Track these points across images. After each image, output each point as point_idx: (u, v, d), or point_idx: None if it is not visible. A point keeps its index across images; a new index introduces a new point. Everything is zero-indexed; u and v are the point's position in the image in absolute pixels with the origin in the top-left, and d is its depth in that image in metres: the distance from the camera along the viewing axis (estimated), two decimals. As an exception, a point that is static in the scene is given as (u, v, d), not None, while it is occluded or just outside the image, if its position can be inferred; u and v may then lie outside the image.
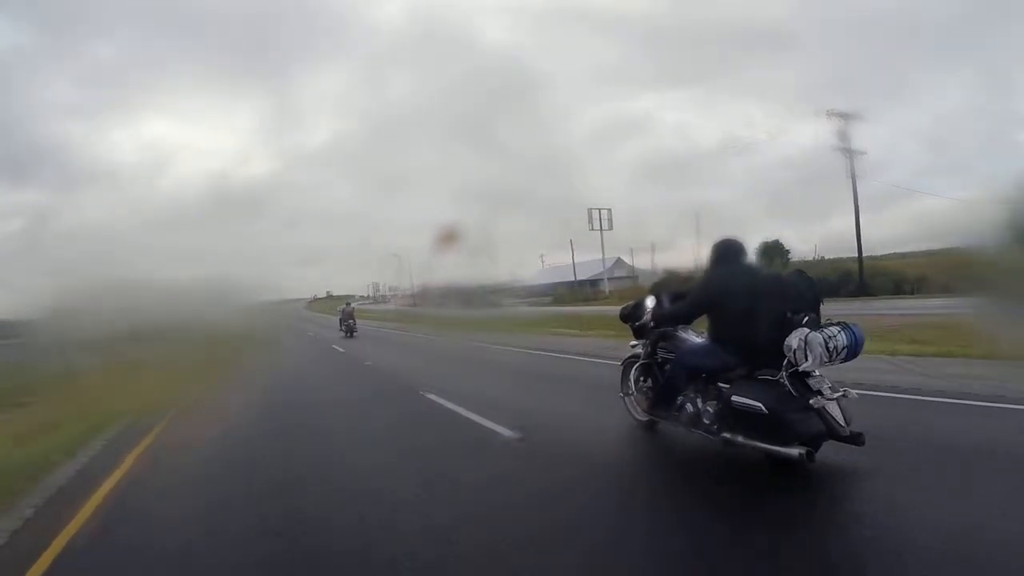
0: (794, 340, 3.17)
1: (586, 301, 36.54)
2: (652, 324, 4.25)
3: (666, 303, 4.30)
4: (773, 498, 3.05)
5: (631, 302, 4.62)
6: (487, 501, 3.32)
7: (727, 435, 3.56)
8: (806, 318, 3.30)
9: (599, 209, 43.08)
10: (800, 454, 3.13)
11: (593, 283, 49.32)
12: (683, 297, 4.08)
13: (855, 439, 3.19)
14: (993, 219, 5.98)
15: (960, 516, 2.62)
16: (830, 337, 3.18)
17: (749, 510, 2.94)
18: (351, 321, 20.99)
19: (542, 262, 56.30)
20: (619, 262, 51.05)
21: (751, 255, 3.98)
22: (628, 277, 47.35)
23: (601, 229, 43.28)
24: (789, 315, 3.32)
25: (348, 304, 23.19)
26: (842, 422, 3.23)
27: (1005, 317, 5.92)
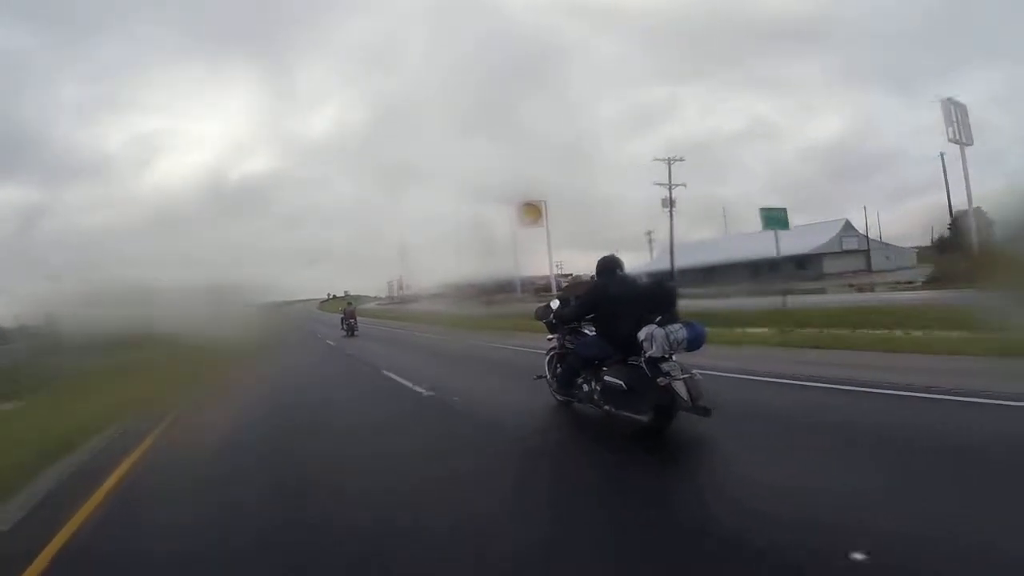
0: (642, 333, 4.18)
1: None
2: (554, 322, 5.26)
3: (572, 304, 5.31)
4: (635, 453, 4.05)
5: (542, 304, 5.64)
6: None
7: (607, 407, 4.58)
8: (659, 317, 4.30)
9: (954, 104, 24.73)
10: (648, 419, 4.16)
11: (802, 262, 33.06)
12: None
13: (702, 411, 4.16)
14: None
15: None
16: (671, 332, 4.18)
17: (617, 458, 3.95)
18: (352, 321, 22.08)
19: (650, 242, 48.29)
20: (848, 227, 35.26)
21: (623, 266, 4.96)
22: (857, 251, 33.57)
23: (961, 141, 24.61)
24: (645, 315, 4.33)
25: (349, 304, 24.49)
26: (686, 397, 4.21)
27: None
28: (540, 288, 42.66)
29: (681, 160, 34.94)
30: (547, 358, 5.71)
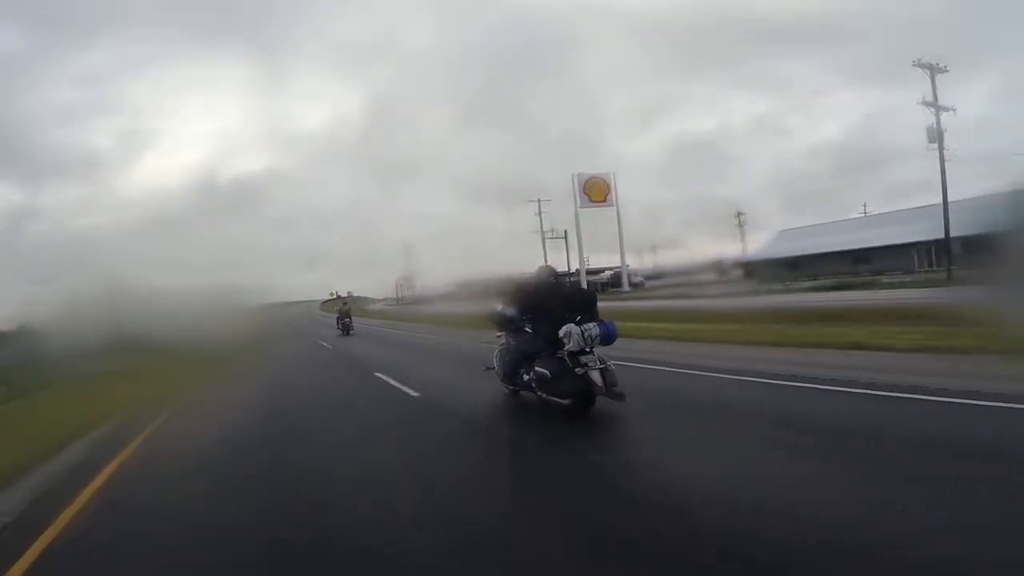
0: (562, 331, 5.04)
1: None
2: (502, 324, 6.12)
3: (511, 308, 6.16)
4: (561, 427, 4.90)
5: (493, 307, 6.50)
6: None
7: (540, 393, 5.44)
8: (578, 317, 5.16)
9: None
10: (568, 403, 5.02)
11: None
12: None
13: (616, 396, 5.02)
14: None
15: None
16: (586, 329, 5.04)
17: (548, 431, 4.80)
18: (347, 320, 22.89)
19: (741, 225, 41.64)
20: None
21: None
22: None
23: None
24: (570, 315, 5.18)
25: (345, 304, 25.48)
26: (600, 384, 5.05)
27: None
28: (608, 281, 38.98)
29: (946, 71, 25.36)
30: (496, 352, 6.56)
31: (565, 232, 41.85)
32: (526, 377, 5.77)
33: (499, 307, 6.27)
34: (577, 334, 5.01)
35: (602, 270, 42.88)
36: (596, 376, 5.06)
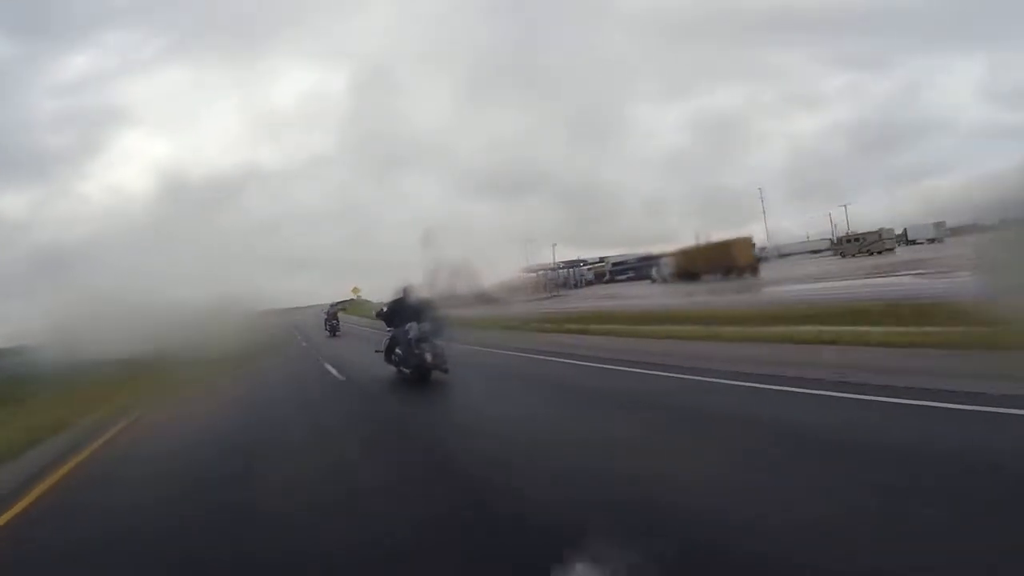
0: (406, 326, 8.10)
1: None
2: (385, 321, 9.19)
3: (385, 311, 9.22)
4: (414, 389, 7.95)
5: (378, 310, 9.56)
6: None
7: (399, 367, 8.51)
8: (420, 316, 8.21)
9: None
10: (409, 372, 8.09)
11: None
12: None
13: (443, 370, 8.07)
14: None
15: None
16: (422, 326, 8.10)
17: (406, 391, 7.85)
18: (335, 321, 25.23)
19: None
20: None
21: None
22: None
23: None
24: (417, 316, 8.24)
25: (332, 306, 27.88)
26: (430, 361, 8.08)
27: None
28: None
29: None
30: (384, 340, 9.62)
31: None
32: (395, 358, 8.84)
33: (383, 309, 9.37)
34: (415, 328, 8.09)
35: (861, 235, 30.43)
36: (428, 356, 8.12)
